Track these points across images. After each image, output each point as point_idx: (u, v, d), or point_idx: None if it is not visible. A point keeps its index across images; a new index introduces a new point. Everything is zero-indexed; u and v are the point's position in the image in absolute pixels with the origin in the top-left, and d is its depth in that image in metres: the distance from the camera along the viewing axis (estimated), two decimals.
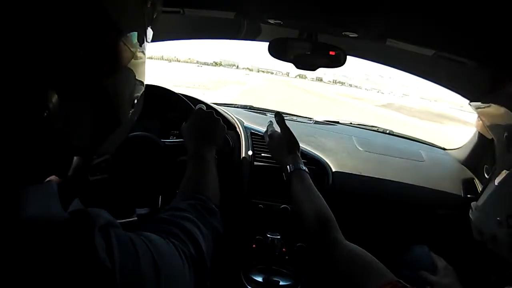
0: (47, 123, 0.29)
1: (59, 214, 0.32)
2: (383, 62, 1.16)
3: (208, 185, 0.62)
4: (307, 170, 0.83)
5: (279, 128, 0.93)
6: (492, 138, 0.99)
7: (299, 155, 0.88)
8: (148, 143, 0.82)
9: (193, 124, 0.76)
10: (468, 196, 1.10)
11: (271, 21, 0.82)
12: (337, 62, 0.84)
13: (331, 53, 0.83)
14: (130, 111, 0.41)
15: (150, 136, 0.83)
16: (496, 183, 0.65)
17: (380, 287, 0.51)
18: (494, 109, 0.78)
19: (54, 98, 0.29)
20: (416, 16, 0.72)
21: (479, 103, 0.85)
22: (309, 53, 0.83)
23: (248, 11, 0.83)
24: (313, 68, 0.85)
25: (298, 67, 0.85)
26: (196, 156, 0.68)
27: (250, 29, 1.06)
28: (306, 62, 0.84)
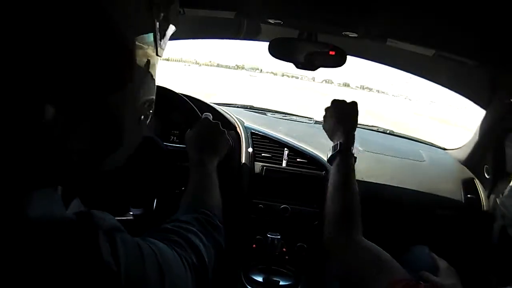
0: (45, 133, 0.29)
1: (62, 215, 0.32)
2: (383, 62, 1.16)
3: (212, 199, 0.62)
4: (355, 154, 0.77)
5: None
6: (495, 135, 0.99)
7: (354, 135, 0.79)
8: (150, 144, 0.82)
9: (198, 133, 0.75)
10: (468, 196, 1.10)
11: (271, 21, 0.82)
12: (337, 62, 0.84)
13: (331, 53, 0.83)
14: (135, 127, 0.39)
15: (154, 138, 0.82)
16: None
17: (392, 282, 0.50)
18: None
19: (52, 110, 0.29)
20: (416, 16, 0.72)
21: None
22: (309, 53, 0.83)
23: (248, 11, 0.83)
24: (313, 68, 0.85)
25: (298, 67, 0.85)
26: (199, 167, 0.68)
27: (250, 29, 1.06)
28: (306, 62, 0.84)
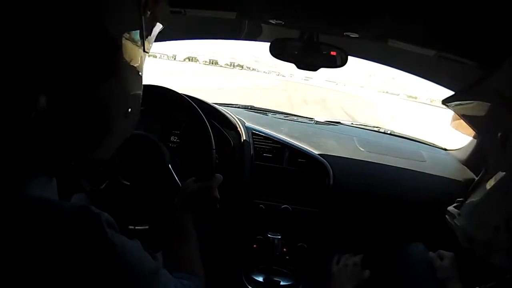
0: (36, 123, 0.30)
1: (61, 202, 0.34)
2: (384, 63, 1.16)
3: (197, 267, 0.61)
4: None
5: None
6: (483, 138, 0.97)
7: None
8: (157, 156, 0.82)
9: (197, 193, 0.71)
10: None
11: (272, 21, 0.82)
12: (338, 62, 0.84)
13: (332, 53, 0.83)
14: (123, 120, 0.40)
15: (163, 152, 0.82)
16: (489, 187, 0.60)
17: None
18: (481, 106, 0.69)
19: (43, 101, 0.30)
20: (417, 17, 0.72)
21: (458, 101, 0.76)
22: (310, 53, 0.83)
23: (249, 11, 0.83)
24: (314, 68, 0.85)
25: (299, 67, 0.85)
26: (184, 230, 0.66)
27: (251, 30, 1.06)
28: (308, 63, 0.84)
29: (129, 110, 0.41)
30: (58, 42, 0.30)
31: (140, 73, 0.42)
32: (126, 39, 0.36)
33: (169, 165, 0.83)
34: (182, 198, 0.70)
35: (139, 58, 0.40)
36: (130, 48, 0.37)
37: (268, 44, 0.86)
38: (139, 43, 0.39)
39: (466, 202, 0.66)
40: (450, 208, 0.69)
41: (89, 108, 0.34)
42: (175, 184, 0.82)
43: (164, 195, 0.81)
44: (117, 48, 0.35)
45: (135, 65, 0.39)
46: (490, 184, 0.60)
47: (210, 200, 0.72)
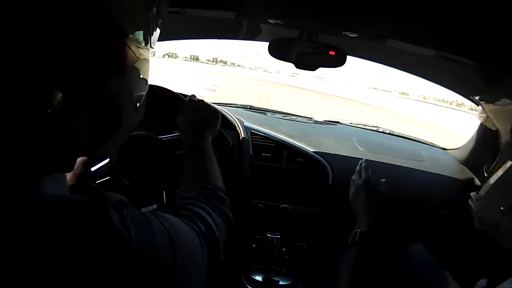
0: (51, 119, 0.30)
1: (71, 196, 0.34)
2: (384, 62, 1.16)
3: (214, 174, 0.62)
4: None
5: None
6: (494, 134, 1.00)
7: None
8: (144, 140, 0.83)
9: (187, 116, 0.76)
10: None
11: (272, 21, 0.82)
12: (337, 62, 0.84)
13: (331, 53, 0.83)
14: (133, 114, 0.42)
15: (146, 134, 0.83)
16: (500, 173, 0.67)
17: None
18: (501, 101, 0.80)
19: (58, 96, 0.30)
20: (416, 16, 0.72)
21: (484, 96, 0.87)
22: (309, 53, 0.83)
23: (248, 11, 0.83)
24: (313, 68, 0.85)
25: (298, 67, 0.85)
26: (194, 149, 0.68)
27: (250, 29, 1.06)
28: (307, 62, 0.84)
29: (138, 104, 0.42)
30: (73, 38, 0.30)
31: (147, 68, 0.43)
32: (135, 34, 0.37)
33: (161, 138, 0.86)
34: (182, 129, 0.74)
35: (146, 53, 0.41)
36: (138, 43, 0.38)
37: (267, 43, 0.86)
38: (147, 37, 0.41)
39: (482, 187, 0.71)
40: (472, 193, 0.73)
41: (104, 101, 0.35)
42: (178, 139, 0.84)
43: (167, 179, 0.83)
44: (129, 43, 0.36)
45: (143, 60, 0.41)
46: (500, 171, 0.67)
47: (200, 106, 0.78)
